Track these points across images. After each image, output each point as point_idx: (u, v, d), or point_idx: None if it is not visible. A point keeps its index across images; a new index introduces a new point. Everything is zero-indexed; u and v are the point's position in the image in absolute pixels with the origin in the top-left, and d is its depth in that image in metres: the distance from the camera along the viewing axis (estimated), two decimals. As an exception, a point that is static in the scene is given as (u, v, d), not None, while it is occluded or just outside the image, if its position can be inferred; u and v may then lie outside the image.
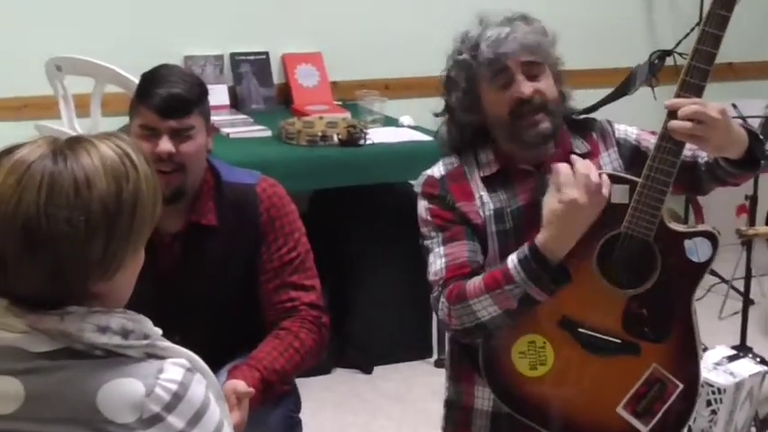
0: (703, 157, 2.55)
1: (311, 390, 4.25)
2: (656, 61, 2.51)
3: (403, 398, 4.31)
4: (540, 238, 2.40)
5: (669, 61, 2.46)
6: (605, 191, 2.39)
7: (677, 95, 2.37)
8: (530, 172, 2.58)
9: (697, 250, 2.46)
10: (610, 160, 2.62)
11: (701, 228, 2.50)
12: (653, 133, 2.60)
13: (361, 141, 4.39)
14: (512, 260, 2.43)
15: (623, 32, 5.60)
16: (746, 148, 2.44)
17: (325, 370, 4.53)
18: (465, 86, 2.55)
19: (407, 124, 4.74)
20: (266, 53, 5.14)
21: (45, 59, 4.21)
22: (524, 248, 2.42)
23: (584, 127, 2.65)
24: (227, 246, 2.72)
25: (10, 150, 1.65)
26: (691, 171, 2.55)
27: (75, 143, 1.65)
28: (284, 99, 5.14)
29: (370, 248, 4.56)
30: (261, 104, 5.07)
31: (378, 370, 4.61)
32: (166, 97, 2.61)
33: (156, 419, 1.61)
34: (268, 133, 4.53)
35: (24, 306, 1.64)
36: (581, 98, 2.70)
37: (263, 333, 2.72)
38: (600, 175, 2.40)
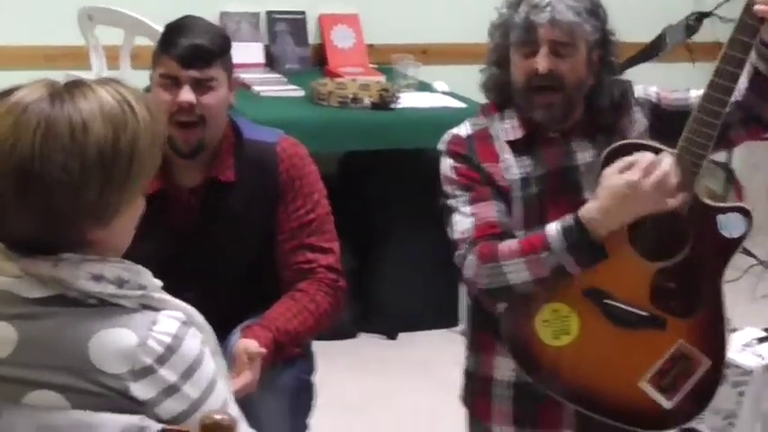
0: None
1: (334, 353, 4.20)
2: (693, 23, 2.40)
3: (426, 365, 4.26)
4: (585, 210, 2.35)
5: (708, 36, 2.34)
6: (674, 202, 2.31)
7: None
8: (554, 138, 2.53)
9: (730, 225, 2.39)
10: (630, 121, 2.56)
11: (735, 203, 2.43)
12: (673, 92, 2.56)
13: (393, 105, 4.34)
14: (553, 228, 2.38)
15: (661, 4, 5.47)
16: None
17: (349, 334, 4.49)
18: (498, 41, 2.52)
19: (441, 90, 4.68)
20: (303, 12, 5.08)
21: (78, 8, 4.18)
22: (568, 218, 2.37)
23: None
24: (244, 203, 2.67)
25: (9, 92, 1.62)
26: None
27: (74, 87, 1.62)
28: (319, 60, 5.07)
29: (399, 214, 4.51)
30: (295, 64, 5.01)
31: (402, 336, 4.56)
32: (189, 47, 2.57)
33: (147, 371, 1.58)
34: (300, 93, 4.49)
35: (19, 250, 1.61)
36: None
37: (279, 293, 2.68)
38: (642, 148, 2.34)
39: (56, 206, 1.57)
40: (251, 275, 2.71)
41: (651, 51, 2.48)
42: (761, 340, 3.55)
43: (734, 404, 3.39)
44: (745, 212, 2.41)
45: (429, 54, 5.17)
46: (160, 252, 2.64)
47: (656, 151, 2.37)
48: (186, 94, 2.56)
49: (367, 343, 4.52)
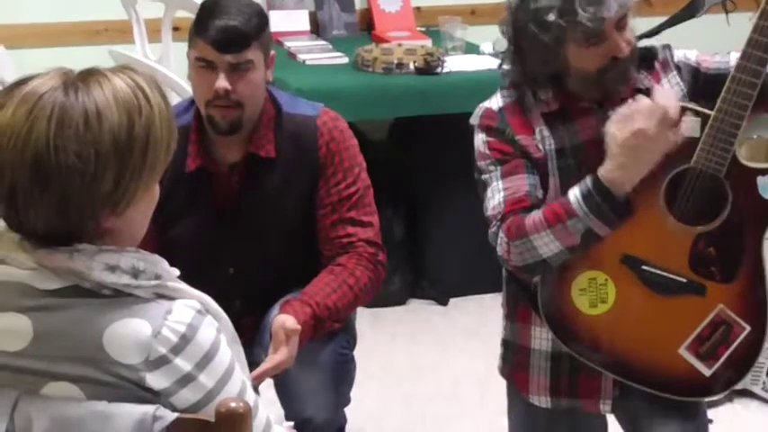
0: None
1: (385, 321, 4.22)
2: (729, -19, 2.37)
3: (478, 332, 4.23)
4: (602, 170, 2.32)
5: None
6: (683, 128, 2.28)
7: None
8: (590, 109, 2.48)
9: None
10: (670, 86, 2.50)
11: None
12: (714, 55, 2.50)
13: (438, 69, 4.29)
14: (573, 194, 2.34)
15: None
16: None
17: (400, 301, 4.48)
18: (549, 43, 2.36)
19: (488, 52, 4.61)
20: (349, -23, 5.05)
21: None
22: (587, 181, 2.33)
23: (644, 57, 2.51)
24: (285, 178, 2.67)
25: (23, 81, 1.62)
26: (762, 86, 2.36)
27: (88, 76, 1.62)
28: (366, 25, 5.04)
29: (448, 179, 4.46)
30: (342, 30, 4.99)
31: (453, 302, 4.55)
32: (223, 30, 2.55)
33: (162, 361, 1.58)
34: (345, 60, 4.46)
35: (35, 242, 1.61)
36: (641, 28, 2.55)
37: (320, 268, 2.68)
38: (682, 110, 2.29)
39: (72, 195, 1.57)
40: (292, 250, 2.72)
41: (688, 12, 2.43)
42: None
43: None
44: None
45: (478, 14, 5.12)
46: (202, 229, 2.68)
47: (698, 114, 2.33)
48: (222, 82, 2.55)
49: (417, 309, 4.51)
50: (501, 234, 2.42)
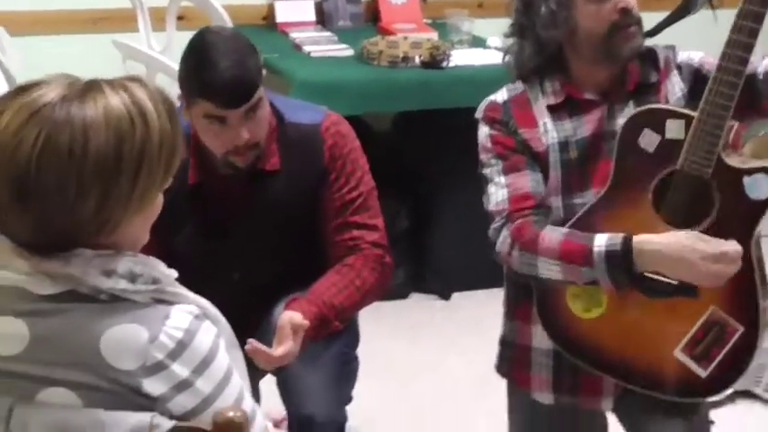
0: (762, 65, 2.39)
1: (387, 315, 4.21)
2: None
3: (479, 327, 4.20)
4: (641, 240, 2.32)
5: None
6: (720, 281, 2.31)
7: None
8: (596, 102, 2.49)
9: (756, 187, 2.33)
10: (671, 85, 2.51)
11: (760, 163, 2.36)
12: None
13: (444, 64, 4.29)
14: (598, 244, 2.34)
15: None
16: None
17: (402, 294, 4.48)
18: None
19: (494, 46, 4.60)
20: (356, -33, 5.05)
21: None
22: (617, 238, 2.33)
23: (648, 55, 2.53)
24: (290, 188, 2.65)
25: (26, 88, 1.60)
26: (748, 86, 2.36)
27: (88, 91, 1.59)
28: (372, 16, 5.05)
29: (453, 172, 4.45)
30: (348, 21, 5.00)
31: (456, 296, 4.54)
32: (231, 84, 2.45)
33: (159, 367, 1.58)
34: (350, 52, 4.46)
35: (31, 247, 1.60)
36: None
37: (325, 267, 2.67)
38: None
39: (50, 218, 1.56)
40: (297, 252, 2.71)
41: (683, 11, 2.42)
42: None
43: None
44: None
45: (485, 7, 5.13)
46: (205, 238, 2.67)
47: (682, 116, 2.33)
48: (242, 135, 2.50)
49: (420, 303, 4.51)
50: (506, 232, 2.44)
